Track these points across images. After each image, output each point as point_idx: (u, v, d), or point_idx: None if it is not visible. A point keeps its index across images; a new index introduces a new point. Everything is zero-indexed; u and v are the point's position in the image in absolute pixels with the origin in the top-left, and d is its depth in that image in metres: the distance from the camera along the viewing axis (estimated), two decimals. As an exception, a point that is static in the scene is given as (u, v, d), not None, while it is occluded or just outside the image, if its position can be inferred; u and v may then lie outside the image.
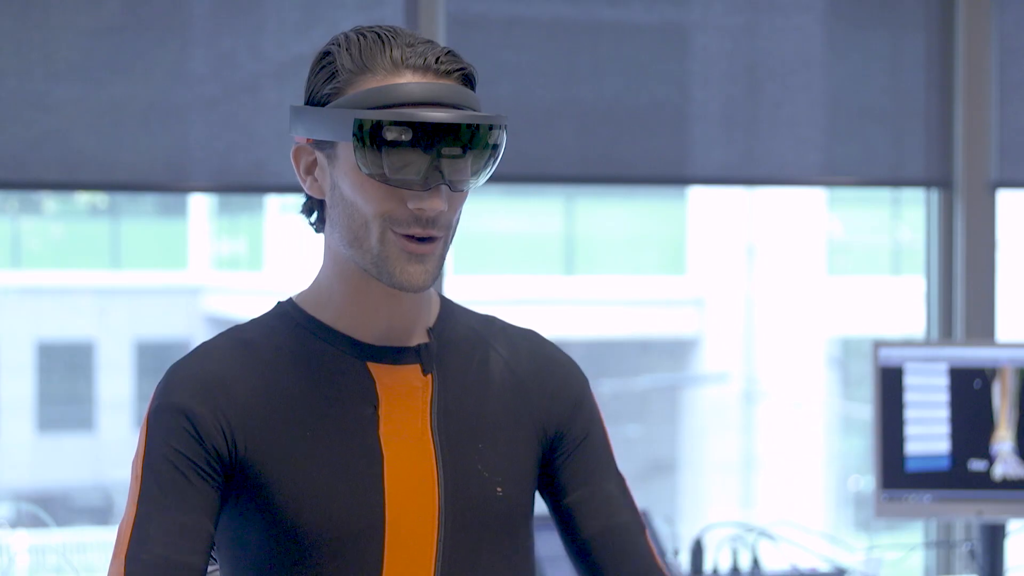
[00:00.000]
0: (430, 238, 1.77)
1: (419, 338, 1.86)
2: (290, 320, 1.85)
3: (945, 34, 4.08)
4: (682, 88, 3.95)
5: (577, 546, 1.90)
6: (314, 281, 1.87)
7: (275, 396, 1.79)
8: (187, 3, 3.70)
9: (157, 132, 3.68)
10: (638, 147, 3.92)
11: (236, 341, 1.83)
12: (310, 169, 1.82)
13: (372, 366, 1.82)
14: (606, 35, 3.91)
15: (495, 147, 1.77)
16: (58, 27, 3.64)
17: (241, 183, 3.72)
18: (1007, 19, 4.08)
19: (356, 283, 1.81)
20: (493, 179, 3.84)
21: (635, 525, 1.90)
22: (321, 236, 1.87)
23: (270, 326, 1.85)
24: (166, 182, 3.69)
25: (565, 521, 1.90)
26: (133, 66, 3.68)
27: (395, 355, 1.83)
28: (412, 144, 1.71)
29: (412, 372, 1.83)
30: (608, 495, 1.90)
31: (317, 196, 1.82)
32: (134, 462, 1.78)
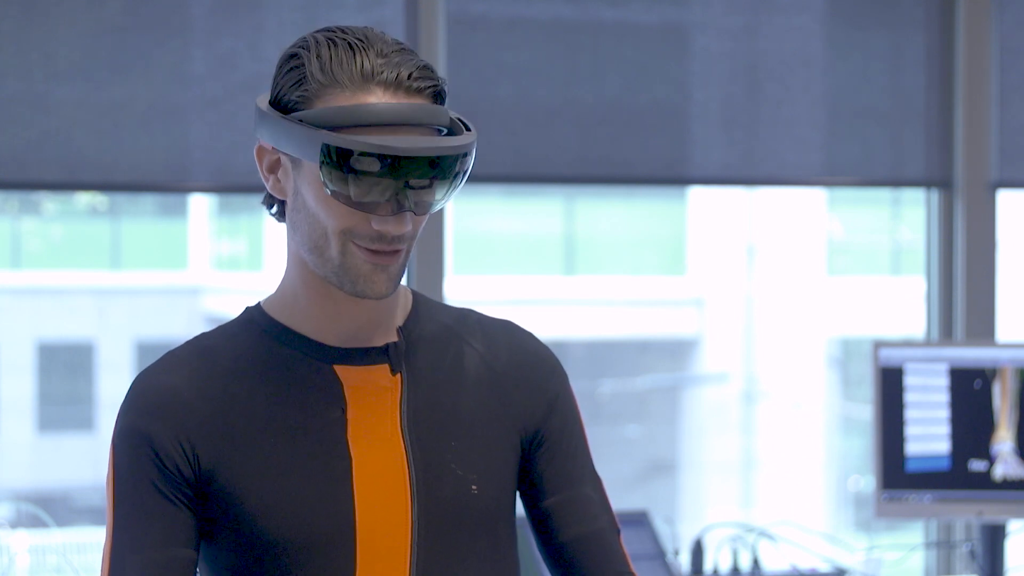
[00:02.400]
0: (394, 250, 1.75)
1: (388, 337, 1.84)
2: (255, 326, 1.83)
3: (945, 34, 4.08)
4: (682, 88, 3.95)
5: (553, 549, 1.88)
6: (279, 285, 1.85)
7: (238, 404, 1.78)
8: (187, 3, 3.70)
9: (157, 132, 3.68)
10: (638, 147, 3.92)
11: (199, 349, 1.82)
12: (273, 169, 1.80)
13: (339, 368, 1.80)
14: (606, 35, 3.91)
15: (462, 171, 1.75)
16: (58, 27, 3.64)
17: (241, 183, 3.72)
18: (1007, 19, 4.08)
19: (320, 286, 1.80)
20: (493, 180, 3.84)
21: (611, 529, 1.89)
22: (284, 231, 1.86)
23: (234, 333, 1.83)
24: (166, 182, 3.69)
25: (542, 523, 1.88)
26: (133, 66, 3.68)
27: (362, 356, 1.82)
28: (380, 173, 1.70)
29: (380, 372, 1.82)
30: (587, 499, 1.88)
31: (279, 196, 1.81)
32: (106, 484, 1.78)
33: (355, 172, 1.69)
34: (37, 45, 3.63)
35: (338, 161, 1.69)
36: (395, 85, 1.73)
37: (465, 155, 1.74)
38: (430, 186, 1.72)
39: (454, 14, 3.83)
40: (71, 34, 3.65)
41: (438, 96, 1.77)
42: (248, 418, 1.78)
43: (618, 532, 1.90)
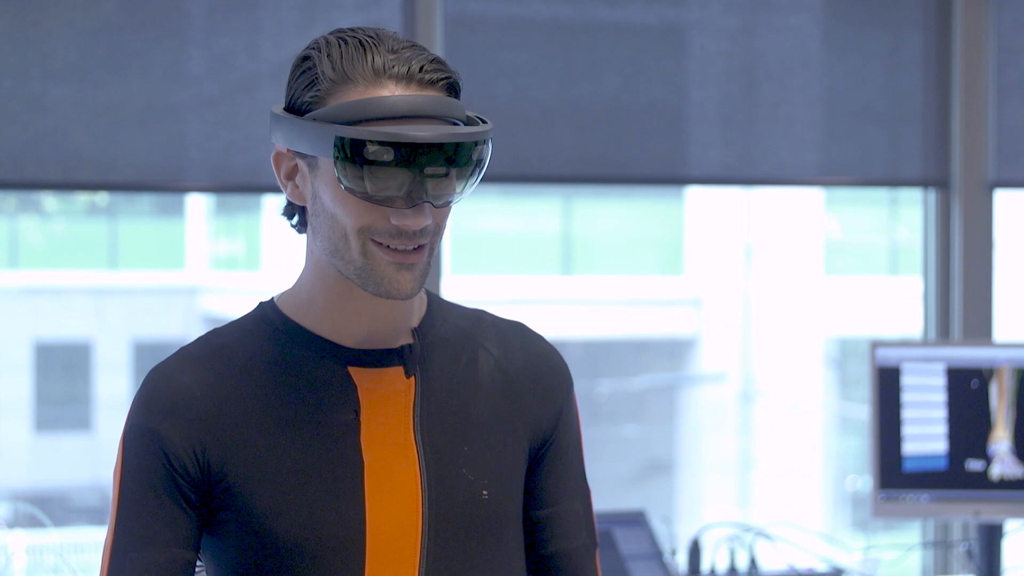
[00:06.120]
0: (416, 247, 1.74)
1: (403, 339, 1.82)
2: (269, 324, 1.82)
3: (942, 34, 4.08)
4: (680, 88, 3.95)
5: (532, 559, 1.90)
6: (295, 283, 1.84)
7: (251, 405, 1.77)
8: (184, 3, 3.70)
9: (155, 132, 3.68)
10: (636, 147, 3.92)
11: (213, 347, 1.81)
12: (291, 175, 1.79)
13: (353, 371, 1.79)
14: (604, 35, 3.91)
15: (479, 162, 1.73)
16: (56, 27, 3.64)
17: (239, 183, 3.72)
18: (1004, 19, 4.08)
19: (338, 288, 1.78)
20: (491, 179, 3.84)
21: (589, 546, 1.91)
22: (304, 236, 1.85)
23: (248, 330, 1.82)
24: (164, 182, 3.69)
25: (527, 532, 1.90)
26: (131, 66, 3.68)
27: (378, 358, 1.80)
28: (395, 163, 1.68)
29: (395, 375, 1.81)
30: (575, 516, 1.90)
31: (298, 202, 1.79)
32: (114, 471, 1.78)
33: (370, 164, 1.67)
34: (34, 44, 3.63)
35: (352, 154, 1.67)
36: (407, 78, 1.71)
37: (481, 145, 1.72)
38: (447, 176, 1.71)
39: (451, 14, 3.83)
40: (68, 33, 3.65)
41: (452, 89, 1.75)
42: (261, 419, 1.77)
43: (595, 546, 1.92)
